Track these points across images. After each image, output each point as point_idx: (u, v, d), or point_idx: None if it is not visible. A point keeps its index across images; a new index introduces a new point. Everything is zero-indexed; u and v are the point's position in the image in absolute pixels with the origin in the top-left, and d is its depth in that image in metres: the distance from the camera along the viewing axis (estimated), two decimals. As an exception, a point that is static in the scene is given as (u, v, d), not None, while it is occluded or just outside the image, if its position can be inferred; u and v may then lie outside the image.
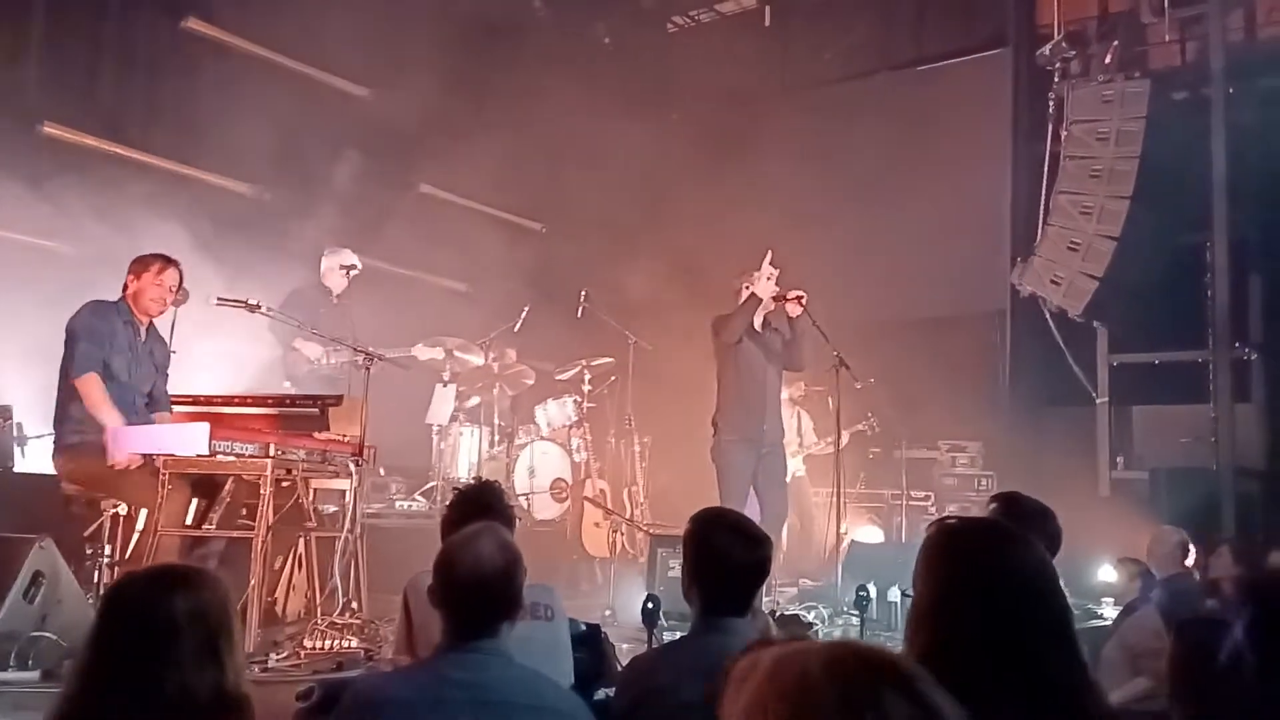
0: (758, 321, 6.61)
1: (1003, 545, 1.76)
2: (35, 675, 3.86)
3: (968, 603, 1.66)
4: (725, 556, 2.73)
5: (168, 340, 5.29)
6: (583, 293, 8.60)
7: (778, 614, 5.30)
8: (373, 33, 8.73)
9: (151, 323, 5.13)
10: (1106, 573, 6.84)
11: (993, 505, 3.53)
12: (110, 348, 4.85)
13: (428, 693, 2.33)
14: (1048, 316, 9.26)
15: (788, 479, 8.19)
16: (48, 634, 4.00)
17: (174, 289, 5.05)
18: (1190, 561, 6.37)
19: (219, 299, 5.24)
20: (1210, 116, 8.99)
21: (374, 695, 2.39)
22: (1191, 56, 9.65)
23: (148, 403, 5.05)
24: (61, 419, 4.80)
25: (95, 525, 4.71)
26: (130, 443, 4.53)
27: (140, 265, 5.03)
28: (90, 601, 4.27)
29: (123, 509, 4.73)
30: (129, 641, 1.96)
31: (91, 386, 4.71)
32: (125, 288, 5.03)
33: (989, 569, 1.71)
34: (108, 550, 4.64)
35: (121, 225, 6.61)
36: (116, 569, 4.58)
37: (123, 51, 8.13)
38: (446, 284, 9.42)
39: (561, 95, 9.25)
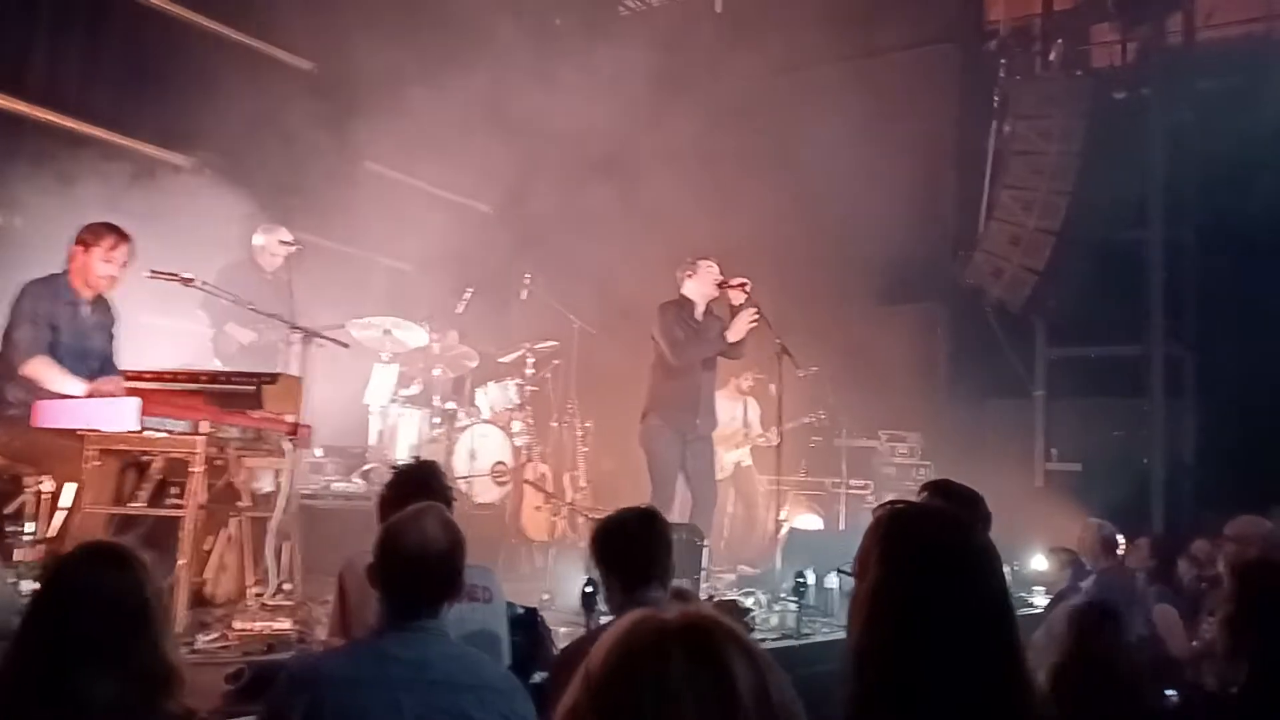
0: (699, 311, 6.59)
1: (964, 530, 1.78)
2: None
3: (931, 586, 1.66)
4: (620, 530, 2.99)
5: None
6: (526, 276, 8.53)
7: (715, 599, 5.32)
8: (318, 6, 8.56)
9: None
10: (1039, 562, 6.97)
11: (924, 493, 3.59)
12: (51, 332, 4.71)
13: (371, 670, 2.30)
14: (987, 309, 9.41)
15: (729, 469, 8.26)
16: (-34, 612, 3.87)
17: (125, 265, 4.87)
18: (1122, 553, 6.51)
19: (152, 271, 5.04)
20: (1149, 116, 9.19)
21: (313, 673, 2.35)
22: (1132, 57, 9.86)
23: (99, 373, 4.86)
24: None
25: (17, 502, 4.58)
26: (58, 417, 4.41)
27: (91, 237, 4.78)
28: (12, 580, 4.14)
29: (47, 486, 4.60)
30: (92, 623, 1.93)
31: (41, 369, 4.62)
32: (71, 259, 4.80)
33: (954, 553, 1.72)
34: (29, 528, 4.51)
35: (49, 194, 6.41)
36: (40, 547, 4.45)
37: (57, 16, 7.87)
38: (390, 263, 9.30)
39: (510, 77, 9.15)
